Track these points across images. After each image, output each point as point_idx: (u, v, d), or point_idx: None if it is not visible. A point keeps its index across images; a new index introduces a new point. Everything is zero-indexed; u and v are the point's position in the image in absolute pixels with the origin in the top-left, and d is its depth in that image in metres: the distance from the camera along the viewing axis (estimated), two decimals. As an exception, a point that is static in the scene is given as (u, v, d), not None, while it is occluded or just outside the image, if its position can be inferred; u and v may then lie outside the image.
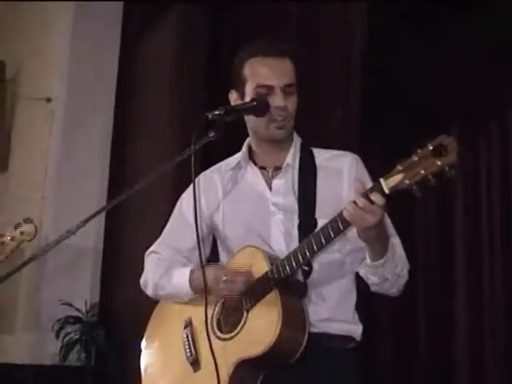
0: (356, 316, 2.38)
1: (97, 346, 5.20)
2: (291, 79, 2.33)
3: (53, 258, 5.09)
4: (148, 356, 2.52)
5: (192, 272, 2.37)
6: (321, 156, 2.41)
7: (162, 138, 5.15)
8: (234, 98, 2.40)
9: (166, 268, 2.45)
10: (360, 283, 2.43)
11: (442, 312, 4.19)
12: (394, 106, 4.29)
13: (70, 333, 5.21)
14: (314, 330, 2.23)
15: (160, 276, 2.45)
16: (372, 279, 2.23)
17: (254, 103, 2.29)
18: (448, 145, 1.89)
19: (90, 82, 5.72)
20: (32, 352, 5.39)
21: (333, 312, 2.30)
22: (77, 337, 5.20)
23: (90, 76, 5.73)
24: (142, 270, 2.61)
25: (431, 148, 1.91)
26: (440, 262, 4.26)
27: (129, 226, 5.33)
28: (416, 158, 1.93)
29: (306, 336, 2.19)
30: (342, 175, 2.35)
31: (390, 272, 2.19)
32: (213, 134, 2.22)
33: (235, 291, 2.25)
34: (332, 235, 2.11)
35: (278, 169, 2.40)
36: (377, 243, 2.12)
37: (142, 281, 2.54)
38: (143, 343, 2.54)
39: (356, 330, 2.35)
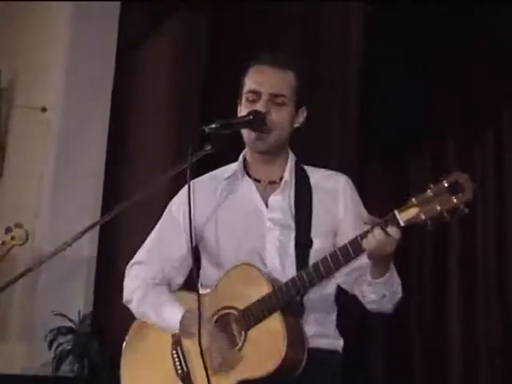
0: (337, 331, 2.41)
1: (90, 357, 5.17)
2: (282, 90, 2.32)
3: (46, 268, 5.06)
4: (129, 369, 2.47)
5: (183, 317, 2.34)
6: (314, 175, 2.42)
7: (158, 148, 5.14)
8: (238, 108, 2.41)
9: (153, 294, 2.42)
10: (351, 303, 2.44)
11: (435, 335, 4.19)
12: (391, 111, 4.30)
13: (62, 343, 5.18)
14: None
15: (146, 305, 2.42)
16: (370, 297, 2.25)
17: (251, 117, 2.28)
18: (464, 183, 1.96)
19: (85, 92, 5.71)
20: (24, 362, 5.36)
21: (320, 328, 2.33)
22: (69, 347, 5.18)
23: (86, 86, 5.72)
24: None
25: (447, 185, 1.97)
26: (434, 283, 4.26)
27: (123, 237, 5.32)
28: (431, 194, 1.99)
29: (306, 355, 2.21)
30: (337, 197, 2.37)
31: (388, 289, 2.22)
32: (209, 148, 2.21)
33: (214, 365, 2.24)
34: (342, 262, 2.15)
35: (272, 183, 2.40)
36: (383, 264, 2.17)
37: (124, 297, 2.49)
38: (123, 355, 2.49)
39: (338, 343, 2.40)
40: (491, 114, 4.11)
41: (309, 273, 2.19)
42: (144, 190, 2.28)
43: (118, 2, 5.83)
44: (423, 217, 2.00)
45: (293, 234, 2.31)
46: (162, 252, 2.47)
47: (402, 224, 2.03)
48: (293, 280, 2.21)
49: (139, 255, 2.52)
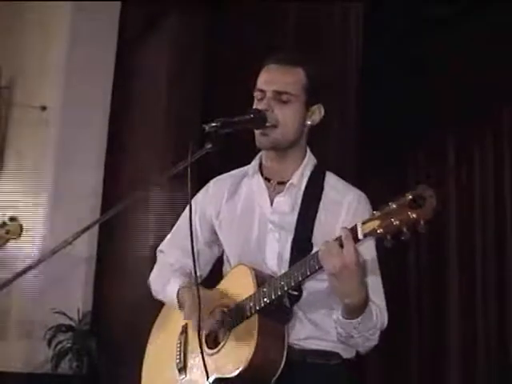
0: None
1: (89, 355, 5.18)
2: (287, 87, 2.29)
3: (46, 266, 5.06)
4: (149, 355, 2.54)
5: (178, 293, 2.37)
6: (330, 184, 2.36)
7: (158, 146, 5.15)
8: None
9: (166, 277, 2.47)
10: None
11: (435, 336, 4.19)
12: (391, 111, 4.30)
13: (62, 341, 5.20)
14: (295, 346, 2.23)
15: (158, 286, 2.49)
16: (338, 330, 2.18)
17: (251, 116, 2.27)
18: (426, 198, 1.81)
19: (85, 91, 5.72)
20: (24, 360, 5.37)
21: (318, 330, 2.29)
22: (69, 345, 5.19)
23: (86, 84, 5.73)
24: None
25: (410, 198, 1.83)
26: (433, 285, 4.26)
27: (122, 235, 5.32)
28: (394, 206, 1.86)
29: (283, 363, 2.16)
30: (339, 211, 2.30)
31: (359, 333, 2.14)
32: (210, 146, 2.18)
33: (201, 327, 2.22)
34: (308, 273, 2.09)
35: (281, 183, 2.37)
36: (346, 300, 2.06)
37: (149, 279, 2.57)
38: (148, 345, 2.55)
39: (343, 348, 2.30)
40: (491, 114, 4.12)
41: (281, 278, 2.16)
42: (143, 188, 2.29)
43: (119, 2, 5.84)
44: (380, 231, 1.87)
45: (291, 238, 2.29)
46: (179, 245, 2.51)
47: (361, 237, 1.93)
48: (268, 285, 2.19)
49: (162, 244, 2.59)
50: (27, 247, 5.19)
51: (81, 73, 5.73)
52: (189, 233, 2.31)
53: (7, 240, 2.84)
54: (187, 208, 2.51)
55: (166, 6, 5.30)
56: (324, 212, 2.31)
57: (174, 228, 2.57)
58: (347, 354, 2.32)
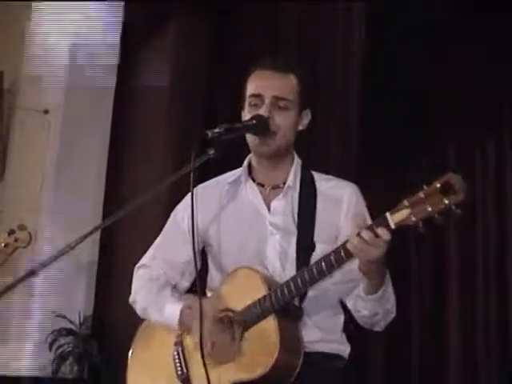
0: (344, 337, 2.40)
1: (90, 359, 5.17)
2: (285, 93, 2.32)
3: (48, 270, 5.06)
4: (135, 372, 2.50)
5: (182, 312, 2.36)
6: (321, 181, 2.41)
7: (160, 151, 5.15)
8: (242, 114, 2.42)
9: (156, 291, 2.44)
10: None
11: (435, 337, 4.19)
12: (392, 112, 4.31)
13: (63, 345, 5.19)
14: (307, 350, 2.25)
15: (149, 303, 2.45)
16: (363, 312, 2.25)
17: (254, 122, 2.29)
18: (455, 184, 1.91)
19: (87, 94, 5.72)
20: (24, 363, 5.36)
21: (324, 334, 2.32)
22: (70, 349, 5.18)
23: (88, 88, 5.73)
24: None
25: (438, 186, 1.92)
26: (433, 284, 4.26)
27: (124, 240, 5.32)
28: (423, 195, 1.94)
29: (301, 361, 2.20)
30: (340, 205, 2.36)
31: (382, 307, 2.22)
32: (212, 152, 2.21)
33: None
34: (335, 265, 2.12)
35: (276, 187, 2.40)
36: (375, 277, 2.14)
37: (130, 298, 2.53)
38: (129, 358, 2.52)
39: (344, 349, 2.38)
40: (492, 114, 4.13)
41: (302, 276, 2.18)
42: (146, 194, 2.29)
43: (121, 4, 5.84)
44: (414, 218, 1.95)
45: (294, 239, 2.31)
46: (165, 257, 2.49)
47: (393, 226, 1.99)
48: (287, 283, 2.21)
49: (144, 259, 2.55)
50: (29, 251, 5.17)
51: (83, 76, 5.72)
52: (179, 243, 2.41)
53: (15, 248, 2.83)
54: (171, 219, 2.53)
55: (168, 8, 5.30)
56: (322, 209, 2.36)
57: (158, 242, 2.55)
58: (346, 354, 2.38)
